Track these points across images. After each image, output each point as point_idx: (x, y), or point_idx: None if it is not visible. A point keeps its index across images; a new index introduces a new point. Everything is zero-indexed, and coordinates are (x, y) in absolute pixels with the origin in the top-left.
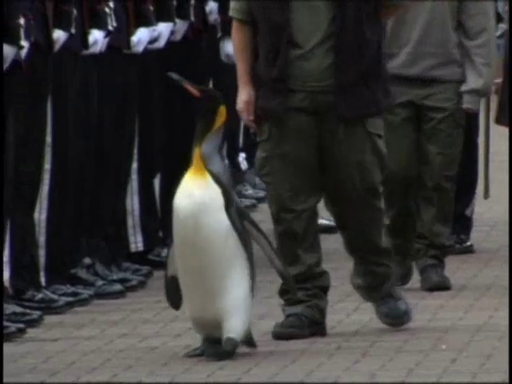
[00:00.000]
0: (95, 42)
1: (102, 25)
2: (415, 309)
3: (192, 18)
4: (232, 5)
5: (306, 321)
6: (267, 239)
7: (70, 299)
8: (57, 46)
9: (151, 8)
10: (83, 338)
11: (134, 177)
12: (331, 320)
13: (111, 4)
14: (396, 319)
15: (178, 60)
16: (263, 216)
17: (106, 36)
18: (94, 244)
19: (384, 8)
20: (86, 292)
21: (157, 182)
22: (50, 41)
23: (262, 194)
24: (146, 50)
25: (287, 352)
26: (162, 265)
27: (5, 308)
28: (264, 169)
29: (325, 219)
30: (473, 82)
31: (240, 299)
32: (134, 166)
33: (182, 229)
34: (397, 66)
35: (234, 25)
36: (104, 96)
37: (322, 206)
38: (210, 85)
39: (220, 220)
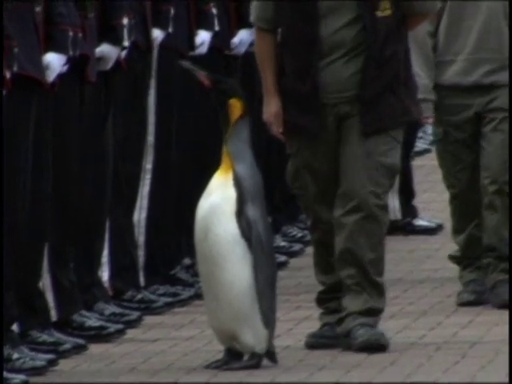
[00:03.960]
0: (202, 43)
1: (208, 26)
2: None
3: None
4: (256, 12)
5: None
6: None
7: (170, 300)
8: (155, 45)
9: None
10: (182, 338)
11: None
12: (427, 323)
13: (215, 5)
14: (373, 342)
15: None
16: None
17: (211, 37)
18: (193, 244)
19: (411, 18)
20: (185, 293)
21: None
22: (149, 40)
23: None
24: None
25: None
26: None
27: (104, 308)
28: (296, 182)
29: (424, 220)
30: None
31: (251, 310)
32: None
33: (195, 231)
34: (453, 74)
35: (259, 34)
36: (205, 96)
37: (422, 207)
38: None
39: (228, 226)
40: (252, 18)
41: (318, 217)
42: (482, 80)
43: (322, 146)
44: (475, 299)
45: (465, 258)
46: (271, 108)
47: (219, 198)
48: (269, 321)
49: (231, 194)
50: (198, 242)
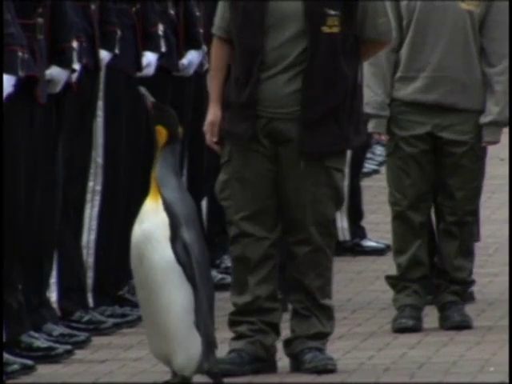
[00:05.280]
0: (148, 64)
1: (155, 47)
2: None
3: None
4: (215, 22)
5: (246, 357)
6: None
7: (118, 320)
8: (102, 66)
9: (201, 31)
10: (131, 359)
11: None
12: (375, 344)
13: (162, 27)
14: (320, 368)
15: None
16: None
17: (158, 58)
18: None
19: (363, 45)
20: (133, 313)
21: (204, 204)
22: (97, 62)
23: None
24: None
25: None
26: None
27: (52, 329)
28: (224, 192)
29: (373, 241)
30: (491, 112)
31: (187, 335)
32: None
33: (131, 258)
34: (414, 91)
35: (215, 42)
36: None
37: (371, 227)
38: None
39: (163, 252)
40: (213, 27)
41: (242, 230)
42: (442, 99)
43: (254, 157)
44: (413, 325)
45: (402, 281)
46: (209, 117)
47: (151, 224)
48: (211, 342)
49: (163, 219)
50: (133, 269)
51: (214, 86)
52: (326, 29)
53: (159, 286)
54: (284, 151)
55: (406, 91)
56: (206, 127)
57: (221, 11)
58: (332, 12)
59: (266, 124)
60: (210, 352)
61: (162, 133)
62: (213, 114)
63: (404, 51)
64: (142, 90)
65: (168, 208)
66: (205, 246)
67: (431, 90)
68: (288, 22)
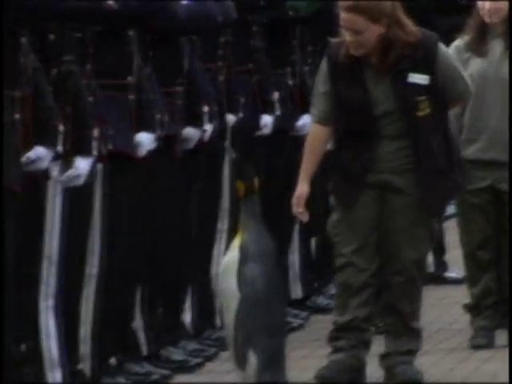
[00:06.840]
0: (265, 125)
1: (270, 110)
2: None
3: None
4: (315, 111)
5: (344, 367)
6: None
7: None
8: (228, 128)
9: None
10: None
11: (296, 236)
12: (455, 358)
13: (277, 94)
14: (410, 379)
15: None
16: None
17: (274, 120)
18: None
19: (450, 102)
20: None
21: (313, 241)
22: (224, 123)
23: None
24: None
25: None
26: (318, 310)
27: (187, 345)
28: (335, 229)
29: (453, 272)
30: None
31: (251, 371)
32: (296, 227)
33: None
34: (475, 150)
35: (314, 126)
36: (270, 172)
37: (452, 261)
38: None
39: (229, 286)
40: (312, 110)
41: (348, 260)
42: (499, 157)
43: (361, 201)
44: (486, 343)
45: (478, 308)
46: (298, 190)
47: (228, 258)
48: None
49: (234, 256)
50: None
51: (307, 164)
52: (419, 113)
53: (225, 309)
54: (389, 197)
55: (468, 151)
56: (294, 199)
57: (320, 103)
58: (422, 97)
59: (373, 176)
60: (269, 365)
61: (240, 187)
62: (301, 189)
63: (466, 117)
64: (227, 145)
65: (242, 247)
66: (275, 279)
67: (489, 150)
68: (391, 112)
